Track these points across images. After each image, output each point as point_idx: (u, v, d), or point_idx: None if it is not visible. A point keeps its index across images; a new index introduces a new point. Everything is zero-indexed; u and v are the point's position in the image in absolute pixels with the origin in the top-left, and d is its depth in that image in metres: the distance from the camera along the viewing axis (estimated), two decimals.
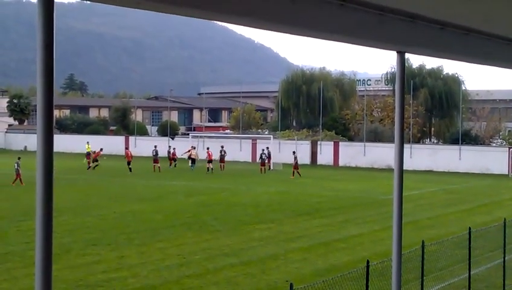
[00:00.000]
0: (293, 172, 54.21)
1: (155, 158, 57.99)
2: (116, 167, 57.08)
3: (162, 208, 34.77)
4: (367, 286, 13.99)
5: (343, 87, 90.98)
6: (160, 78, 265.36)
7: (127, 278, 19.47)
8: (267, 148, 61.86)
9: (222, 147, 62.31)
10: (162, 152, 63.56)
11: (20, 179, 43.41)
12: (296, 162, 55.36)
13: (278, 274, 20.43)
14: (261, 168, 58.18)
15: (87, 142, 63.50)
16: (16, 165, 43.97)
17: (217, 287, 18.73)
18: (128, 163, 55.91)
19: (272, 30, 6.66)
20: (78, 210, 33.11)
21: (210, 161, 57.66)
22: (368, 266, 14.01)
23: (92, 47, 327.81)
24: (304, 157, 68.82)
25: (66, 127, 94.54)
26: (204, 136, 76.40)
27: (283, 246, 24.84)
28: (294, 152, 58.15)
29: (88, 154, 61.10)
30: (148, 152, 74.94)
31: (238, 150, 71.68)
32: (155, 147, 60.37)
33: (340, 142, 71.43)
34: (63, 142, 76.38)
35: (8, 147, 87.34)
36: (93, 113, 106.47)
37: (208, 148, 60.79)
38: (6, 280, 18.97)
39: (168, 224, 29.32)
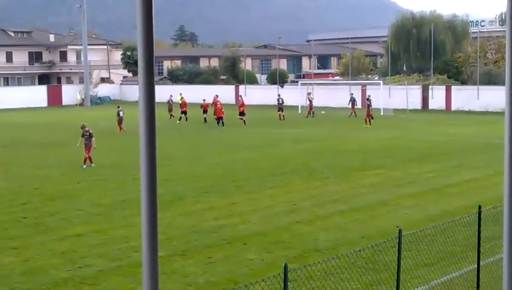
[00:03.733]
0: (309, 113, 58.95)
1: (280, 107, 57.71)
2: (227, 115, 57.66)
3: (271, 155, 35.08)
4: (479, 232, 13.75)
5: (455, 30, 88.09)
6: (268, 27, 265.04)
7: (238, 225, 19.86)
8: (352, 93, 63.08)
9: (309, 93, 62.15)
10: (266, 100, 63.60)
11: (120, 127, 47.62)
12: (311, 104, 59.46)
13: (388, 220, 20.33)
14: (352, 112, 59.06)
15: (180, 93, 60.36)
16: (121, 112, 47.76)
17: (327, 233, 18.84)
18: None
19: None
20: (190, 158, 33.86)
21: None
22: (479, 212, 13.73)
23: None
24: (415, 102, 67.66)
25: (177, 78, 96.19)
26: (314, 83, 76.07)
27: (393, 192, 24.66)
28: (309, 93, 62.62)
29: (181, 105, 56.79)
30: (259, 101, 75.65)
31: (348, 96, 71.02)
32: (279, 95, 60.37)
33: (452, 86, 69.63)
34: (176, 93, 77.78)
35: (123, 98, 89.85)
36: (203, 63, 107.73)
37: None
38: (123, 227, 19.72)
39: (277, 171, 29.59)
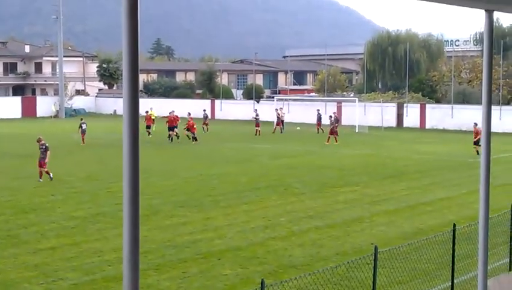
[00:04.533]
0: (275, 128, 59.21)
1: (256, 122, 57.64)
2: (201, 129, 57.77)
3: (247, 170, 35.07)
4: (453, 250, 13.86)
5: (430, 48, 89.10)
6: (245, 42, 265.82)
7: (213, 240, 19.82)
8: (318, 110, 62.73)
9: (280, 109, 62.13)
10: (242, 116, 63.62)
11: (83, 139, 47.49)
12: (278, 120, 59.53)
13: (363, 237, 20.40)
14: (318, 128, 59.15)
15: (150, 108, 58.84)
16: (83, 125, 47.87)
17: (302, 249, 18.85)
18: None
19: None
20: (165, 172, 33.73)
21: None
22: (454, 230, 13.85)
23: (178, 11, 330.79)
24: (390, 120, 68.10)
25: (153, 91, 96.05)
26: (290, 99, 76.37)
27: (368, 209, 24.76)
28: (276, 109, 61.64)
29: (146, 119, 54.90)
30: (234, 116, 75.84)
31: (323, 113, 71.30)
32: (256, 110, 60.46)
33: (426, 104, 70.24)
34: (151, 106, 77.62)
35: (99, 110, 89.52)
36: (179, 77, 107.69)
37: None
38: (98, 240, 19.60)
39: (253, 186, 29.59)
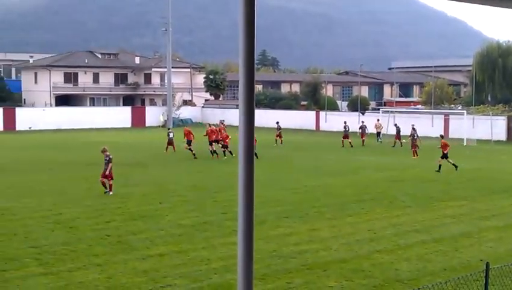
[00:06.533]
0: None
1: (346, 134, 57.48)
2: (307, 141, 57.83)
3: (352, 182, 34.88)
4: None
5: None
6: (351, 53, 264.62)
7: (319, 251, 19.81)
8: (396, 124, 60.76)
9: (363, 121, 61.98)
10: (354, 127, 63.24)
11: (173, 147, 49.95)
12: (363, 131, 58.64)
13: (472, 253, 19.94)
14: (395, 141, 57.21)
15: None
16: (170, 134, 50.68)
17: (408, 264, 18.60)
18: (189, 143, 47.31)
19: (466, 2, 6.41)
20: (270, 183, 33.89)
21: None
22: None
23: (283, 23, 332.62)
24: (500, 134, 66.24)
25: (258, 102, 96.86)
26: (395, 111, 75.44)
27: (477, 224, 24.17)
28: (363, 121, 61.29)
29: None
30: (339, 127, 75.46)
31: (430, 125, 70.10)
32: (345, 122, 60.09)
33: None
34: (256, 117, 78.26)
35: (205, 121, 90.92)
36: (284, 88, 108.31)
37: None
38: (204, 248, 19.93)
39: (357, 198, 29.41)
